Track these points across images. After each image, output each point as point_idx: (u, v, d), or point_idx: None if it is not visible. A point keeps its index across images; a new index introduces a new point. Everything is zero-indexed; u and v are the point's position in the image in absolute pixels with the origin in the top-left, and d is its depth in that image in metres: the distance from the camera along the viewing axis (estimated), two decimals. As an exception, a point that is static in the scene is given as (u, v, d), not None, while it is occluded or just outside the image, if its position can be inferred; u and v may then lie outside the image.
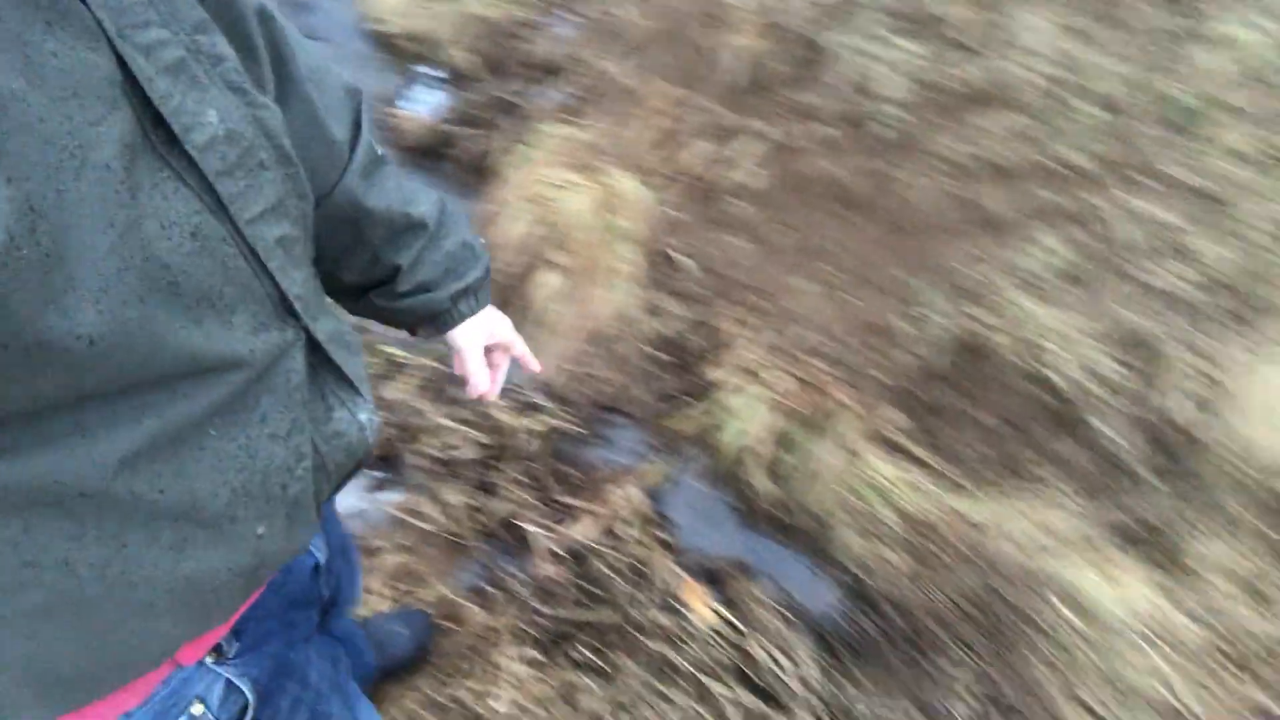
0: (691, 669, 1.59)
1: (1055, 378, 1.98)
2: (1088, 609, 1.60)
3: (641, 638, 1.65)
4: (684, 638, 1.65)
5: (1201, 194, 2.36)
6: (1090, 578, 1.64)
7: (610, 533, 1.84)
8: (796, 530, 1.86)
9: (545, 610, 1.71)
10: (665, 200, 2.41)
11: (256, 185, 0.60)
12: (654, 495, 1.91)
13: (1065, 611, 1.61)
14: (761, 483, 1.90)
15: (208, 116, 0.56)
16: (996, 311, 2.11)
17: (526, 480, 1.91)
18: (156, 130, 0.53)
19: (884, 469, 1.90)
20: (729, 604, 1.72)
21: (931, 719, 1.53)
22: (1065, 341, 2.03)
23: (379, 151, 0.87)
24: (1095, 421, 1.92)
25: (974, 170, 2.44)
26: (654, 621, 1.67)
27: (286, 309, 0.65)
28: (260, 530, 0.64)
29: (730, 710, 1.55)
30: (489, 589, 1.75)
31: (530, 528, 1.82)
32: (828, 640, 1.69)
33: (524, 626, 1.67)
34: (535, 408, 2.04)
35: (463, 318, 0.99)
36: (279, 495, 0.65)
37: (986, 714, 1.55)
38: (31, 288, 0.45)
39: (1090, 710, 1.51)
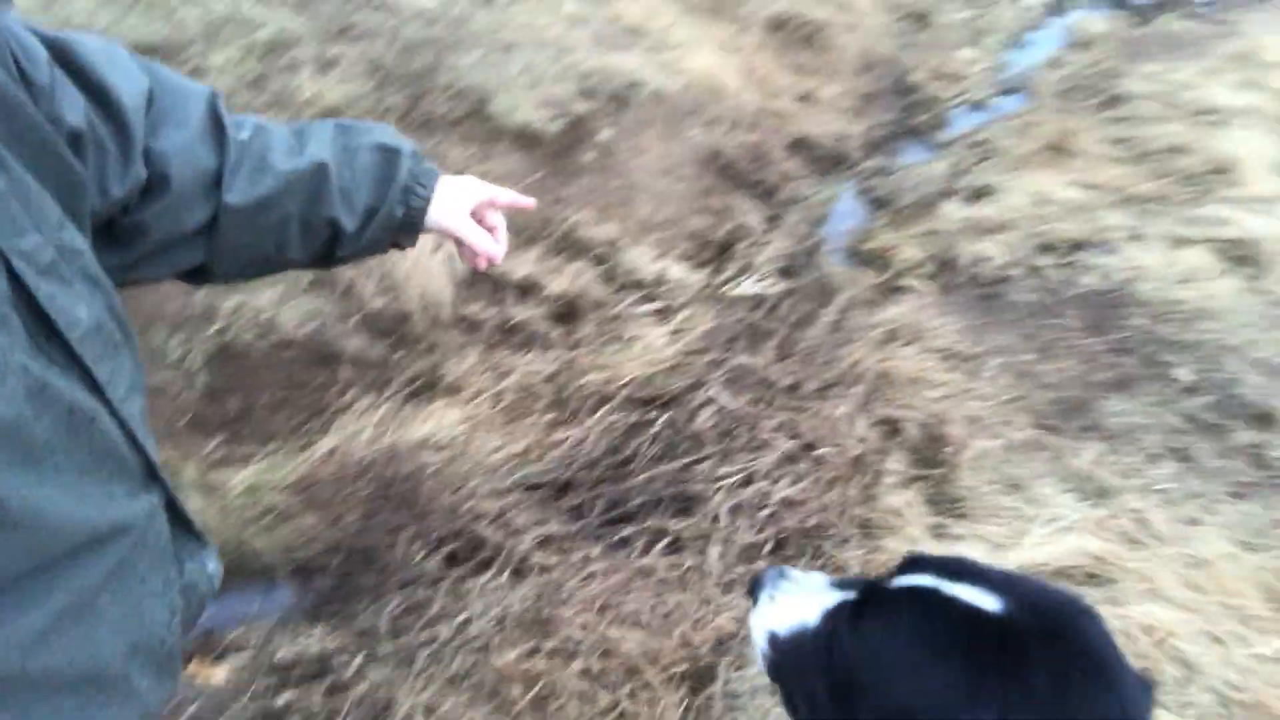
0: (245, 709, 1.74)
1: (294, 336, 2.45)
2: (439, 444, 2.23)
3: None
4: (221, 705, 1.76)
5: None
6: (419, 423, 2.27)
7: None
8: (226, 571, 2.02)
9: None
10: None
11: (120, 365, 0.66)
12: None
13: (430, 455, 2.21)
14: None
15: (79, 311, 0.62)
16: (211, 318, 2.42)
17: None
18: (42, 328, 0.58)
19: (236, 478, 2.16)
20: (227, 657, 1.86)
21: (410, 583, 2.00)
22: (279, 308, 2.49)
23: (244, 136, 0.88)
24: (344, 345, 2.47)
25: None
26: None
27: (151, 474, 0.70)
28: (145, 684, 0.69)
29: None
30: None
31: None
32: (315, 612, 1.98)
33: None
34: None
35: (421, 209, 1.00)
36: (159, 649, 0.71)
37: (438, 554, 2.08)
38: None
39: (472, 499, 2.17)
